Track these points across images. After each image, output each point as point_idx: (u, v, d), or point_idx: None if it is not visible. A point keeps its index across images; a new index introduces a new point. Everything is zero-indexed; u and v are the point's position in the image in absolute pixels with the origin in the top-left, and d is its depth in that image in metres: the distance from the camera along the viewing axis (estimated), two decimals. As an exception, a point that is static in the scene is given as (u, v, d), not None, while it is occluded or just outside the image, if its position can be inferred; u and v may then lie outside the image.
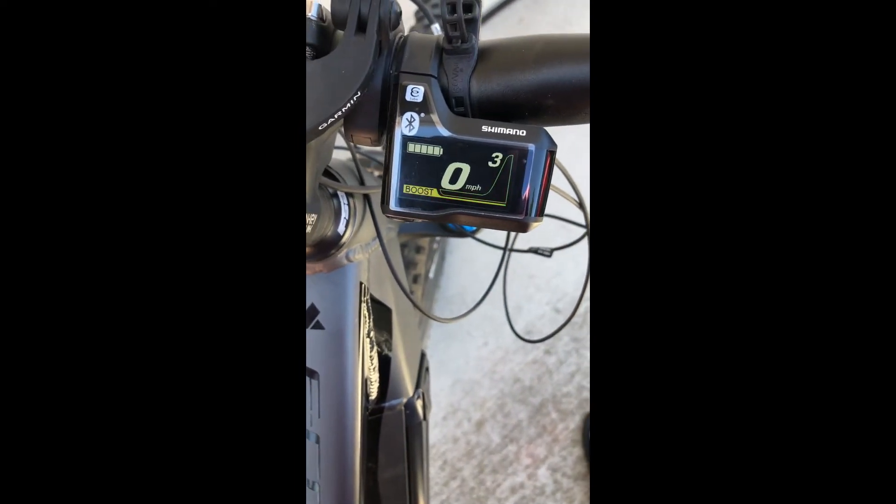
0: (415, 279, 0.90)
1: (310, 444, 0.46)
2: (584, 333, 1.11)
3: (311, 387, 0.46)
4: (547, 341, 1.11)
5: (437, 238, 1.01)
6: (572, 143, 1.17)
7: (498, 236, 0.95)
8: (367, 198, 0.45)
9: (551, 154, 0.29)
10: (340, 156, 0.50)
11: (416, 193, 0.30)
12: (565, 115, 0.30)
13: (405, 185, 0.30)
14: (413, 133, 0.29)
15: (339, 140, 0.49)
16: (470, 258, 1.16)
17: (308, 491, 0.46)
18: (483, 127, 0.28)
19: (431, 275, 1.03)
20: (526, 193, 0.29)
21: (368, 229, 0.46)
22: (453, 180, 0.29)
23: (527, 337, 1.10)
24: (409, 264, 0.89)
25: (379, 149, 0.98)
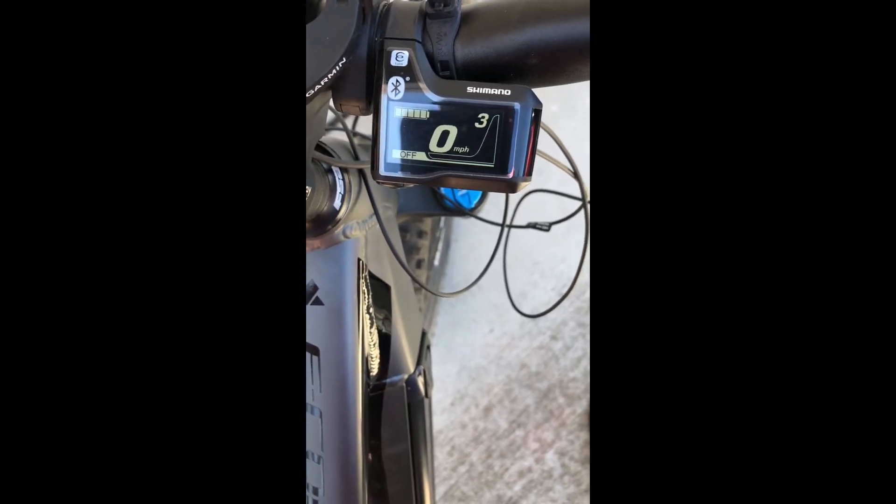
0: (418, 264, 0.91)
1: (312, 419, 0.47)
2: (590, 318, 1.11)
3: (312, 362, 0.46)
4: (553, 327, 1.11)
5: (441, 224, 1.01)
6: (573, 129, 1.17)
7: (497, 215, 0.95)
8: (362, 173, 0.46)
9: (537, 112, 0.29)
10: (337, 135, 0.50)
11: (405, 158, 0.30)
12: (550, 75, 0.30)
13: (394, 150, 0.30)
14: (399, 97, 0.30)
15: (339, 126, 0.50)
16: (475, 246, 1.16)
17: (313, 464, 0.47)
18: (468, 88, 0.29)
19: (437, 262, 1.03)
20: (513, 153, 0.29)
21: (365, 205, 0.46)
22: (441, 143, 0.30)
23: (532, 326, 1.10)
24: (412, 249, 0.90)
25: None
